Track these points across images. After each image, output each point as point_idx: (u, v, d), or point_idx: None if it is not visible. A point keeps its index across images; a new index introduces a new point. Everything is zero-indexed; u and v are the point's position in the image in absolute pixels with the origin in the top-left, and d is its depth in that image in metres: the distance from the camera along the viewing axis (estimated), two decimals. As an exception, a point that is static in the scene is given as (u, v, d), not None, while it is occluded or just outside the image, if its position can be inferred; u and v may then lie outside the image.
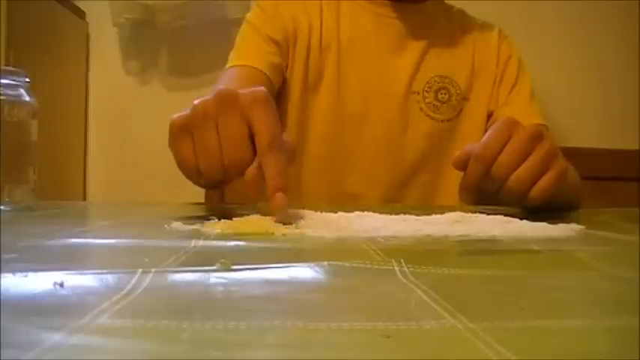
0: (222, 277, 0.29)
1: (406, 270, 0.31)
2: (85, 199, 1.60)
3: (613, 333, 0.22)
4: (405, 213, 0.65)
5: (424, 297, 0.25)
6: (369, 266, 0.32)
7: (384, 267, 0.32)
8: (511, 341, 0.20)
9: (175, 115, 0.59)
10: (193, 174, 0.59)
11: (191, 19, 1.53)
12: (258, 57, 1.05)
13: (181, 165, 0.59)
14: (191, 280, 0.29)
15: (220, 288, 0.27)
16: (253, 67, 1.03)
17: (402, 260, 0.33)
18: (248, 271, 0.30)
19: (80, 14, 1.58)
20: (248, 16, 1.13)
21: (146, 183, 1.59)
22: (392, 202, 1.10)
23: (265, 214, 0.60)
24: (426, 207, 1.00)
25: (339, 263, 0.32)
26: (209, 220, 0.58)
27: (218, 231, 0.51)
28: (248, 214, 0.60)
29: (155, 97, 1.60)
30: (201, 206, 0.86)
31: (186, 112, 0.58)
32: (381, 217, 0.64)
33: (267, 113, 0.56)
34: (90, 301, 0.24)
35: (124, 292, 0.25)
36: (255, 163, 0.56)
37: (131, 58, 1.60)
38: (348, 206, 0.86)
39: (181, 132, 0.58)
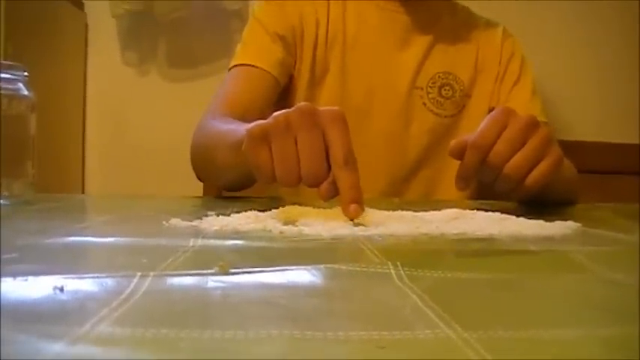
0: (220, 281, 0.29)
1: (402, 273, 0.32)
2: (83, 190, 1.60)
3: (608, 343, 0.23)
4: (402, 209, 0.66)
5: (419, 303, 0.26)
6: (365, 269, 0.33)
7: (381, 270, 0.32)
8: (504, 352, 0.20)
9: (254, 123, 0.62)
10: (268, 180, 0.62)
11: (190, 10, 1.53)
12: (264, 56, 1.05)
13: (257, 170, 0.62)
14: (189, 284, 0.29)
15: (218, 292, 0.28)
16: (259, 68, 1.04)
17: (398, 263, 0.33)
18: (246, 275, 0.30)
19: (79, 5, 1.57)
20: (255, 11, 1.12)
21: (145, 174, 1.59)
22: (393, 196, 1.11)
23: (263, 210, 0.60)
24: (424, 202, 1.00)
25: (336, 266, 0.32)
26: (207, 215, 0.58)
27: (216, 228, 0.51)
28: (246, 210, 0.60)
29: (154, 89, 1.60)
30: (199, 199, 0.86)
31: (265, 121, 0.61)
32: (380, 213, 0.64)
33: (344, 131, 0.59)
34: (90, 307, 0.24)
35: (123, 296, 0.26)
36: (329, 179, 0.59)
37: (130, 49, 1.60)
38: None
39: (261, 140, 0.60)
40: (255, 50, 1.07)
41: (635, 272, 0.35)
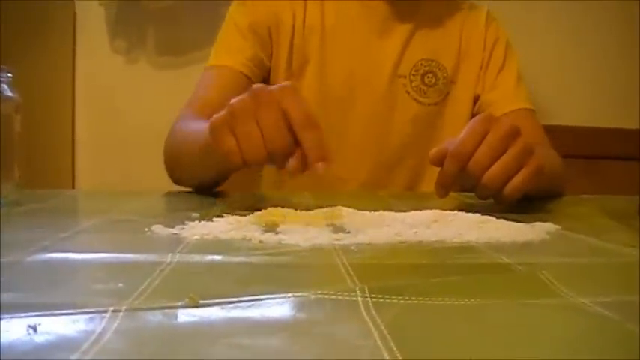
0: (189, 315, 0.30)
1: (369, 301, 0.33)
2: (73, 179, 1.60)
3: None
4: (387, 205, 0.67)
5: (379, 343, 0.27)
6: (333, 297, 0.33)
7: (348, 298, 0.33)
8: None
9: (214, 117, 0.65)
10: (238, 164, 0.64)
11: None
12: (234, 55, 1.07)
13: (227, 156, 0.64)
14: (159, 320, 0.30)
15: (187, 330, 0.29)
16: (232, 69, 1.06)
17: (366, 288, 0.34)
18: (215, 307, 0.31)
19: (67, -8, 1.57)
20: (230, 9, 1.13)
21: (134, 162, 1.60)
22: (377, 186, 1.12)
23: (245, 211, 0.62)
24: (410, 196, 1.01)
25: (305, 294, 0.33)
26: (191, 219, 0.59)
27: (197, 237, 0.52)
28: (229, 215, 0.61)
29: (143, 76, 1.60)
30: (185, 196, 0.87)
31: (223, 112, 0.64)
32: (360, 215, 0.65)
33: (298, 98, 0.63)
34: (61, 352, 0.25)
35: (94, 337, 0.27)
36: (296, 154, 0.62)
37: (118, 37, 1.59)
38: (333, 191, 0.87)
39: (223, 128, 0.64)
40: (225, 50, 1.09)
41: (609, 295, 0.36)
